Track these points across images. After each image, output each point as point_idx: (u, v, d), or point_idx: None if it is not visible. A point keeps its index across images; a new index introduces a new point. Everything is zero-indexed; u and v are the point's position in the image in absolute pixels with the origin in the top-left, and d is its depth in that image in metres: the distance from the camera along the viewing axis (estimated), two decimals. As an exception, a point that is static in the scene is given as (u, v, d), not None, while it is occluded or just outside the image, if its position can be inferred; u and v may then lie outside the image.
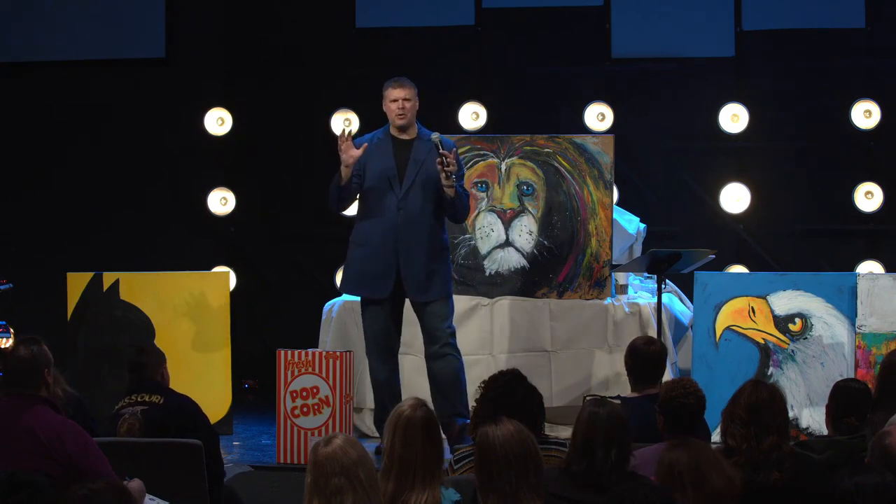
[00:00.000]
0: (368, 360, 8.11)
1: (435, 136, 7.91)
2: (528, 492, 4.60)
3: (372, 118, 11.04)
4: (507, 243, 9.02)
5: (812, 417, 8.31)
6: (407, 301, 8.18)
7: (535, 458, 4.69)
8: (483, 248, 9.05)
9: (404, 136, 8.02)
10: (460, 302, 8.96)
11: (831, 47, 10.91)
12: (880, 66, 10.89)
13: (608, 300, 8.92)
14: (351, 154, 7.85)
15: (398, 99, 7.99)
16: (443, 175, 7.77)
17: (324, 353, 7.81)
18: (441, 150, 7.79)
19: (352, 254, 8.08)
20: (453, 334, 8.04)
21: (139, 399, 6.52)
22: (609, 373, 8.76)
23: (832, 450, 5.67)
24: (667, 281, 9.02)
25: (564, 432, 7.71)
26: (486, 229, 9.05)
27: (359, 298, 8.16)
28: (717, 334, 8.51)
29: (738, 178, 10.85)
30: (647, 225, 9.69)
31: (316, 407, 7.74)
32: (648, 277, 9.30)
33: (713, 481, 4.58)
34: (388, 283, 7.93)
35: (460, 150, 9.01)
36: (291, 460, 7.76)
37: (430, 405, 5.02)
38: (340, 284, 8.16)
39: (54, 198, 11.53)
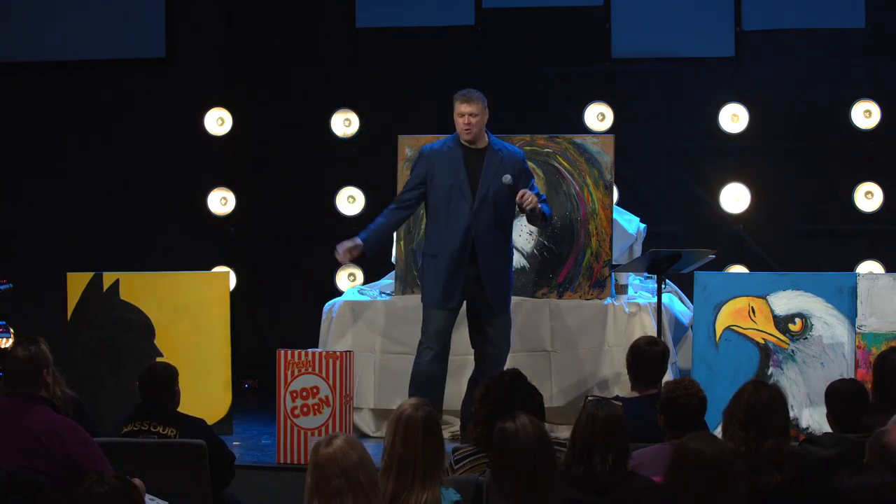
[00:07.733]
0: (421, 357, 8.01)
1: (506, 178, 7.90)
2: (544, 486, 4.60)
3: (372, 118, 11.08)
4: (508, 243, 9.01)
5: (812, 417, 8.29)
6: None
7: (552, 452, 4.69)
8: (483, 248, 9.03)
9: (475, 147, 8.00)
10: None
11: (831, 47, 10.90)
12: (880, 66, 10.89)
13: (608, 300, 8.91)
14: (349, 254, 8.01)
15: (464, 114, 7.92)
16: (524, 211, 7.86)
17: (324, 353, 7.81)
18: (518, 191, 7.83)
19: (426, 265, 8.08)
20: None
21: (152, 429, 6.38)
22: (609, 373, 8.75)
23: (842, 446, 5.66)
24: (667, 281, 9.02)
25: (564, 432, 7.71)
26: (486, 229, 9.03)
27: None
28: (717, 334, 8.51)
29: (738, 178, 10.85)
30: (647, 225, 9.68)
31: (316, 407, 7.74)
32: (648, 277, 9.29)
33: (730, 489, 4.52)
34: (458, 293, 7.96)
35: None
36: (291, 460, 7.76)
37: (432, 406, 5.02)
38: (422, 296, 8.11)
39: (54, 197, 11.53)
